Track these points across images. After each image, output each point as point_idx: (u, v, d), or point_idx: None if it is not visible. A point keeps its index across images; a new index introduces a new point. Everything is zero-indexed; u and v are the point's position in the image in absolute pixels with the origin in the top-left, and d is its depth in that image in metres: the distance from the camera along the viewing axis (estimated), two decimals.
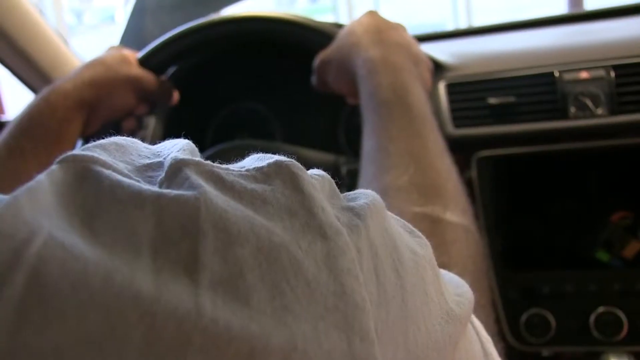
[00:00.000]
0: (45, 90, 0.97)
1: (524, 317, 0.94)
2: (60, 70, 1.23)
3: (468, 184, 0.94)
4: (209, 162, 0.30)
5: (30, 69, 1.21)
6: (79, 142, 1.02)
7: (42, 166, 0.27)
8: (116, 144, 0.31)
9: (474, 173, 0.97)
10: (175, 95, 1.12)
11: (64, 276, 0.23)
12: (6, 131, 0.93)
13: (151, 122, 1.13)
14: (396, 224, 0.36)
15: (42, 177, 0.26)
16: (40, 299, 0.22)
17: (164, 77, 1.11)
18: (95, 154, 0.28)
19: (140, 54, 1.08)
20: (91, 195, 0.26)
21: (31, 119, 0.93)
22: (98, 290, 0.23)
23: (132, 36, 1.66)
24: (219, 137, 1.30)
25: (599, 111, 0.91)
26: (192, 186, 0.27)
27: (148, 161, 0.30)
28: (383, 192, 0.70)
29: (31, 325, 0.22)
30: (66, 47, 1.27)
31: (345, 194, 0.34)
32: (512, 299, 0.95)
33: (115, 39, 1.61)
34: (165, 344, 0.23)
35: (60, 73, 1.21)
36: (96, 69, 1.00)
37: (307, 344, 0.25)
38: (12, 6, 1.14)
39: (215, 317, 0.24)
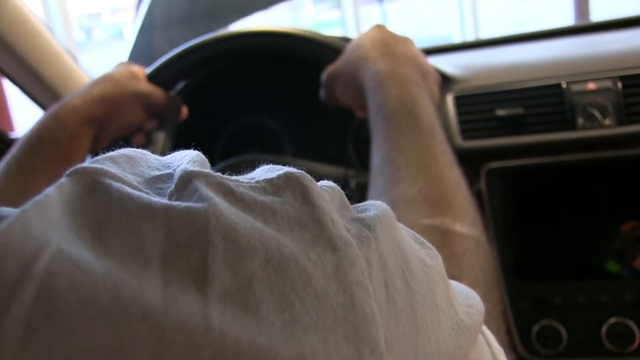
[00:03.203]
0: (54, 107, 0.97)
1: (535, 329, 0.93)
2: (70, 87, 1.23)
3: (477, 196, 0.94)
4: (218, 174, 0.29)
5: (39, 86, 1.21)
6: (88, 158, 1.03)
7: (52, 182, 0.27)
8: (126, 155, 0.31)
9: (483, 185, 0.97)
10: (184, 111, 1.12)
11: (73, 290, 0.23)
12: (15, 147, 0.93)
13: (160, 138, 1.13)
14: (406, 235, 0.36)
15: (51, 191, 0.26)
16: (49, 313, 0.22)
17: (172, 93, 1.12)
18: (105, 167, 0.28)
19: (149, 70, 1.08)
20: (100, 207, 0.26)
21: (40, 135, 0.94)
22: (106, 304, 0.23)
23: (140, 52, 1.67)
24: (228, 152, 1.30)
25: (607, 122, 0.91)
26: (202, 198, 0.27)
27: (158, 173, 0.30)
28: (392, 205, 0.69)
29: (40, 340, 0.22)
30: (75, 64, 1.27)
31: (355, 205, 0.34)
32: (523, 311, 0.95)
33: (124, 55, 1.62)
34: (174, 357, 0.23)
35: (69, 90, 1.21)
36: (105, 85, 1.00)
37: (316, 356, 0.25)
38: (21, 24, 1.14)
39: (224, 330, 0.24)
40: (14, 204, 0.27)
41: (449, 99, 0.99)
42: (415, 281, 0.32)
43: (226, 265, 0.25)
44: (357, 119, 1.16)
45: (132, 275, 0.24)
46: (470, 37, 6.74)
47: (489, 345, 0.40)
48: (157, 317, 0.23)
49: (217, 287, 0.25)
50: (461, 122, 0.97)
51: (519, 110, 0.94)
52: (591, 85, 0.92)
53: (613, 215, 0.95)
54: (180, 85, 1.16)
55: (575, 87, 0.93)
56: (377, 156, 0.79)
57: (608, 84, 0.92)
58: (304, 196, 0.30)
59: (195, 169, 0.29)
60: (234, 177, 0.30)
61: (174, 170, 0.30)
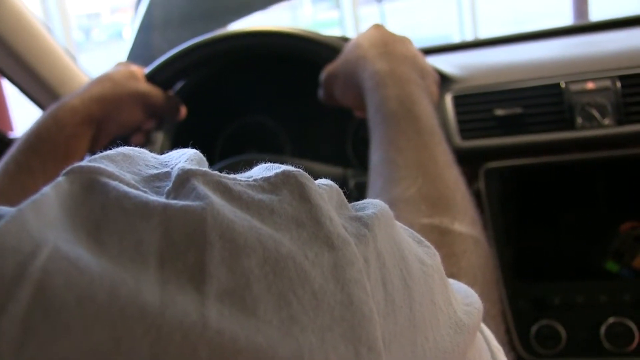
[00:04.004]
0: (53, 107, 0.97)
1: (534, 328, 0.93)
2: (68, 86, 1.23)
3: (476, 195, 0.94)
4: (216, 172, 0.29)
5: (38, 86, 1.21)
6: (87, 158, 1.02)
7: (50, 182, 0.27)
8: (123, 154, 0.31)
9: (481, 185, 0.97)
10: (183, 110, 1.12)
11: (70, 290, 0.23)
12: (14, 147, 0.93)
13: (159, 138, 1.13)
14: (404, 233, 0.36)
15: (48, 190, 0.26)
16: (46, 313, 0.22)
17: (171, 92, 1.12)
18: (102, 165, 0.28)
19: (148, 70, 1.08)
20: (98, 206, 0.26)
21: (39, 135, 0.94)
22: (103, 303, 0.23)
23: (139, 52, 1.67)
24: (227, 151, 1.30)
25: (606, 121, 0.91)
26: (199, 197, 0.27)
27: (155, 171, 0.30)
28: (391, 204, 0.69)
29: (37, 340, 0.22)
30: (74, 64, 1.27)
31: (353, 203, 0.34)
32: (522, 310, 0.95)
33: (123, 55, 1.61)
34: (171, 356, 0.23)
35: (68, 90, 1.21)
36: (104, 84, 1.00)
37: (314, 355, 0.25)
38: (20, 24, 1.14)
39: (222, 329, 0.24)
40: (12, 203, 0.27)
41: (448, 99, 0.99)
42: (413, 280, 0.32)
43: (223, 264, 0.25)
44: (356, 118, 1.15)
45: (129, 274, 0.24)
46: (469, 37, 6.74)
47: (488, 343, 0.40)
48: (155, 316, 0.23)
49: (215, 286, 0.25)
50: (460, 122, 0.97)
51: (518, 110, 0.94)
52: (590, 85, 0.92)
53: (612, 215, 0.95)
54: (179, 85, 1.16)
55: (574, 87, 0.93)
56: (375, 156, 0.79)
57: (607, 83, 0.92)
58: (302, 194, 0.30)
59: (193, 167, 0.29)
60: (231, 176, 0.30)
61: (172, 168, 0.30)
